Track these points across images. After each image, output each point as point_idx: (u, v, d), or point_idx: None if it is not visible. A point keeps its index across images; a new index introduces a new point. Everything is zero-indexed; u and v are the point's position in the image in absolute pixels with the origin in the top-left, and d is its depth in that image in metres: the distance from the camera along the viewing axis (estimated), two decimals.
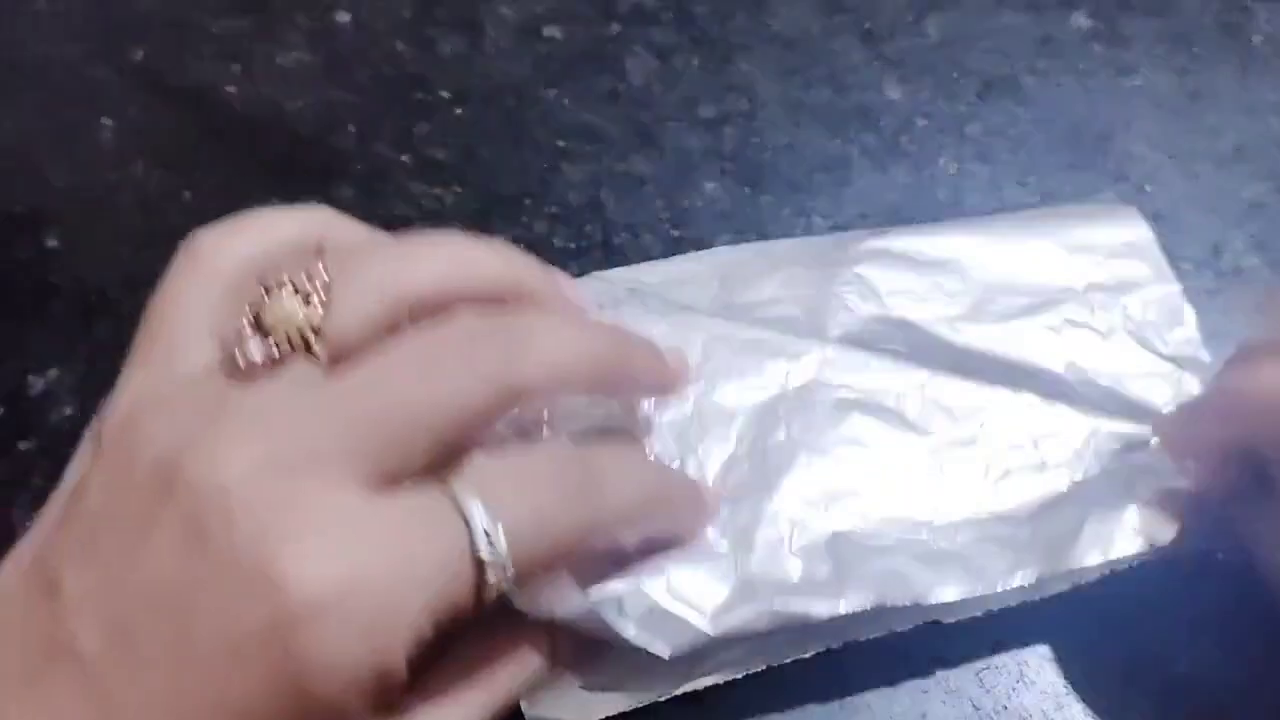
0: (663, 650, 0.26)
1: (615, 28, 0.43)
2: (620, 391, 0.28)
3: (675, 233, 0.39)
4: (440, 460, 0.22)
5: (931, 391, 0.33)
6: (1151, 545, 0.29)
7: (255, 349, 0.22)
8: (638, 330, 0.29)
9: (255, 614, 0.20)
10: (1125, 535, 0.29)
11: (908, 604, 0.28)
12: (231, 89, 0.41)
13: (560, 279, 0.28)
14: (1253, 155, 0.41)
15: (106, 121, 0.40)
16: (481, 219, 0.39)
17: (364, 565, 0.20)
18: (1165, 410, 0.33)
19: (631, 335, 0.28)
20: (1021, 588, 0.29)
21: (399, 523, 0.21)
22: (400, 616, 0.21)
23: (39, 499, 0.33)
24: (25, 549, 0.24)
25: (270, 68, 0.42)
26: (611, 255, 0.38)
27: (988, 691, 0.30)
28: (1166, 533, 0.29)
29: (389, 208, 0.39)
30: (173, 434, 0.22)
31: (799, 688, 0.30)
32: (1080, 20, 0.44)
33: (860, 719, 0.30)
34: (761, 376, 0.32)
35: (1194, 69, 0.43)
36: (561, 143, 0.41)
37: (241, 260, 0.25)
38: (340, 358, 0.22)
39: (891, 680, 0.30)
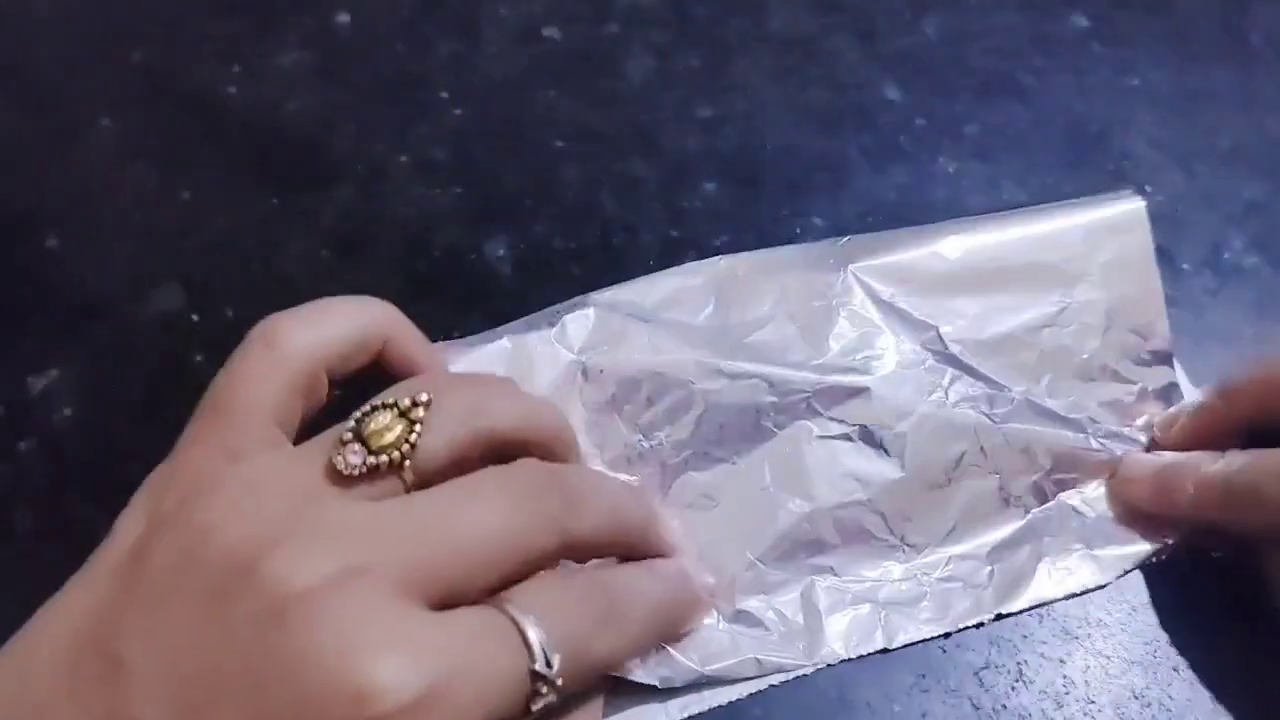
0: (661, 682, 0.29)
1: (614, 28, 0.43)
2: (639, 552, 0.30)
3: (674, 233, 0.39)
4: (493, 589, 0.24)
5: (915, 421, 0.33)
6: (1098, 583, 0.32)
7: (355, 457, 0.24)
8: (633, 368, 0.32)
9: (335, 716, 0.20)
10: (1080, 571, 0.32)
11: (876, 650, 0.31)
12: (231, 89, 0.41)
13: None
14: (1252, 155, 0.41)
15: (106, 121, 0.40)
16: (481, 219, 0.39)
17: (440, 678, 0.21)
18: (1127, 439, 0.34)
19: (652, 504, 0.31)
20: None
21: (466, 640, 0.23)
22: None
23: (39, 499, 0.33)
24: (73, 614, 0.23)
25: (270, 68, 0.42)
26: (610, 255, 0.38)
27: (987, 691, 0.30)
28: (1121, 565, 0.32)
29: (389, 208, 0.39)
30: (252, 525, 0.23)
31: (799, 688, 0.30)
32: (1079, 19, 0.44)
33: (860, 718, 0.30)
34: (749, 440, 0.33)
35: (1193, 68, 0.43)
36: (561, 143, 0.41)
37: (312, 351, 0.27)
38: (424, 481, 0.24)
39: (891, 680, 0.30)
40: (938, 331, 0.34)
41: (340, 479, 0.24)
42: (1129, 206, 0.36)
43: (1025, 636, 0.31)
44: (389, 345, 0.28)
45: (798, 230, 0.39)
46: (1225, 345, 0.36)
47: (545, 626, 0.23)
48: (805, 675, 0.30)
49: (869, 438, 0.33)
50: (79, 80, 0.41)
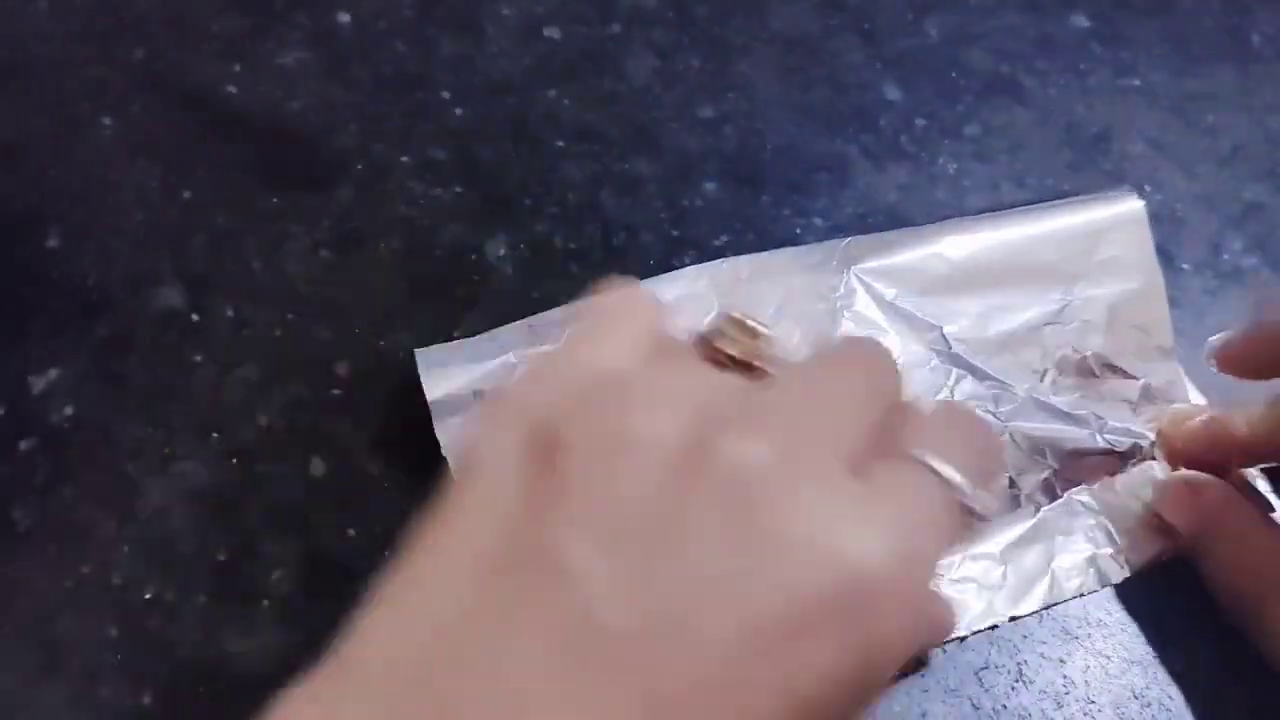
0: None
1: (615, 28, 0.43)
2: None
3: (675, 233, 0.39)
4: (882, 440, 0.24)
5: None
6: (1110, 581, 0.32)
7: (731, 346, 0.25)
8: None
9: (825, 591, 0.20)
10: (1089, 572, 0.32)
11: None
12: (231, 89, 0.41)
13: None
14: (1252, 155, 0.41)
15: (106, 121, 0.40)
16: (482, 218, 0.39)
17: (907, 534, 0.21)
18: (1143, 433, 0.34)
19: None
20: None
21: (906, 493, 0.22)
22: (928, 588, 0.22)
23: (39, 499, 0.33)
24: (483, 528, 0.21)
25: (270, 68, 0.42)
26: (611, 255, 0.38)
27: (987, 691, 0.30)
28: (1129, 566, 0.32)
29: (390, 207, 0.39)
30: (680, 415, 0.21)
31: None
32: (1079, 20, 0.44)
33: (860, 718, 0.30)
34: None
35: (1193, 69, 0.43)
36: (561, 143, 0.41)
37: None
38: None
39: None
40: (942, 331, 0.34)
41: (725, 369, 0.24)
42: (1128, 205, 0.36)
43: (1025, 636, 0.31)
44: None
45: (798, 230, 0.39)
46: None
47: (952, 462, 0.23)
48: None
49: None
50: (79, 79, 0.41)
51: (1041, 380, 0.34)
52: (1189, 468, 0.33)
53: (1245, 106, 0.42)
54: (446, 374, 0.32)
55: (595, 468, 0.21)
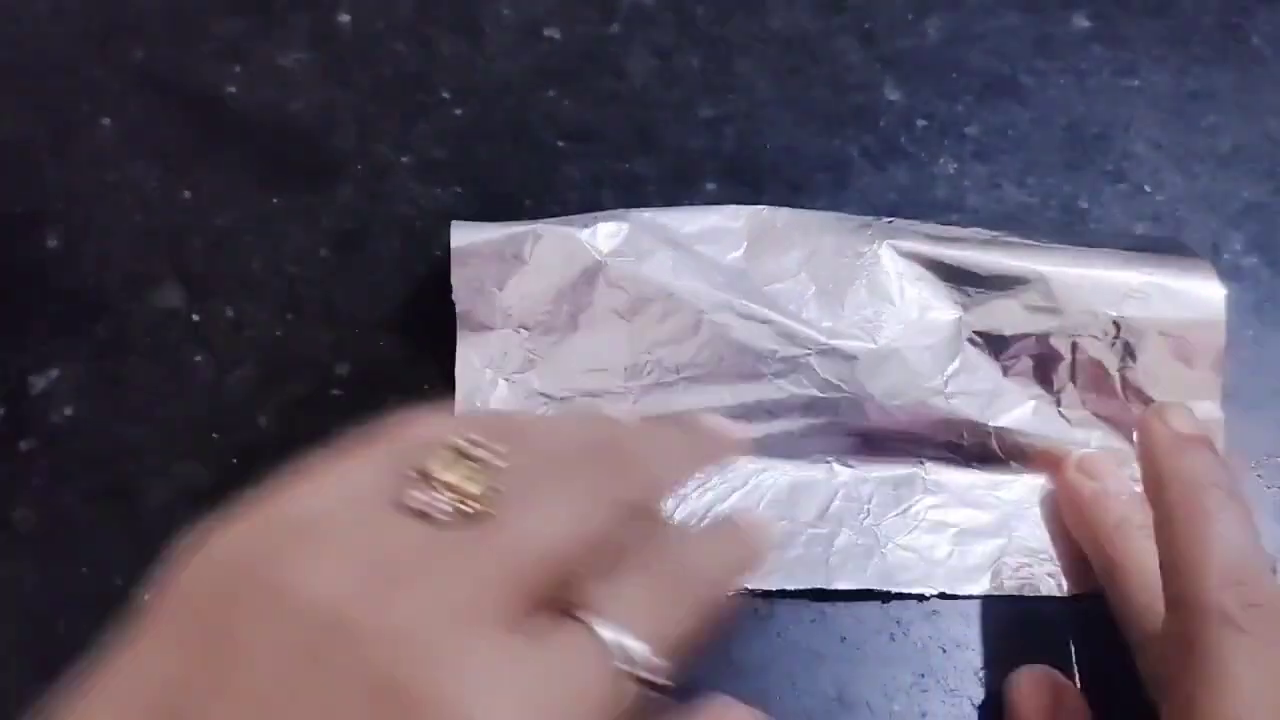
0: None
1: (615, 28, 0.43)
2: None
3: None
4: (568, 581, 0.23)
5: (908, 403, 0.33)
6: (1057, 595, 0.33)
7: (422, 497, 0.23)
8: (651, 284, 0.33)
9: None
10: (1037, 578, 0.33)
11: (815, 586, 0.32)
12: (231, 89, 0.41)
13: None
14: (1251, 155, 0.41)
15: (106, 121, 0.40)
16: (483, 218, 0.39)
17: (547, 710, 0.21)
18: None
19: (701, 428, 0.30)
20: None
21: (561, 661, 0.22)
22: None
23: (39, 499, 0.33)
24: (127, 679, 0.22)
25: (270, 68, 0.42)
26: None
27: (988, 691, 0.31)
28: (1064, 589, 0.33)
29: (389, 208, 0.39)
30: (330, 572, 0.21)
31: (798, 687, 0.30)
32: (1080, 21, 0.44)
33: (860, 718, 0.30)
34: (744, 378, 0.33)
35: (1193, 69, 0.43)
36: (561, 143, 0.41)
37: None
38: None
39: (891, 680, 0.30)
40: (959, 319, 0.34)
41: (410, 513, 0.23)
42: (1208, 293, 0.34)
43: (1026, 636, 0.31)
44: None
45: None
46: (1224, 346, 0.36)
47: (641, 635, 0.23)
48: (804, 660, 0.30)
49: (857, 408, 0.33)
50: (79, 80, 0.41)
51: (1052, 390, 0.34)
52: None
53: (1245, 106, 0.42)
54: (476, 229, 0.34)
55: (251, 629, 0.21)
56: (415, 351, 0.35)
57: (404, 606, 0.21)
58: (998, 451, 0.34)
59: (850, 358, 0.33)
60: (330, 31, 0.43)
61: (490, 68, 0.42)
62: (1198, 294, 0.34)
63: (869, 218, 0.36)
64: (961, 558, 0.32)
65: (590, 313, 0.34)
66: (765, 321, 0.33)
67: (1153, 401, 0.34)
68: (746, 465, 0.33)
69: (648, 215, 0.35)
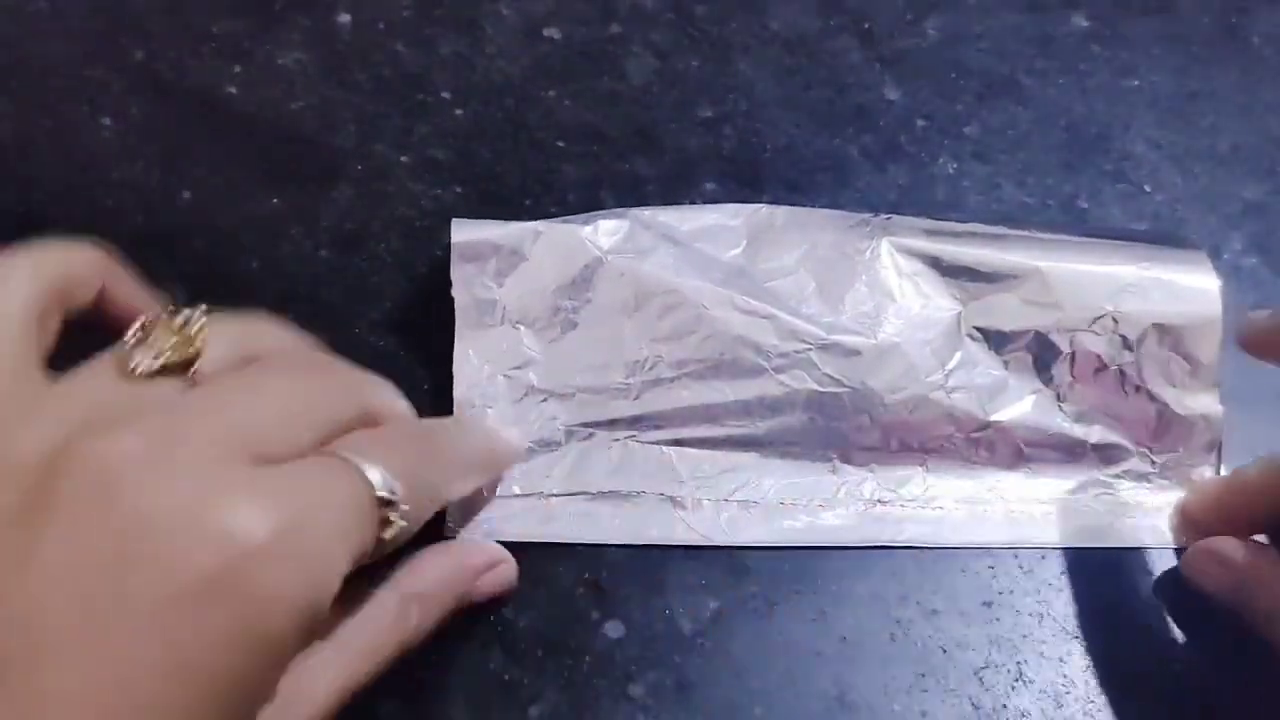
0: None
1: (615, 28, 0.43)
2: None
3: None
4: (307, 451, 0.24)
5: (907, 398, 0.33)
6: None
7: (144, 357, 0.24)
8: (652, 280, 0.34)
9: (202, 564, 0.20)
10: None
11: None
12: (231, 89, 0.41)
13: None
14: (1251, 155, 0.41)
15: (106, 121, 0.40)
16: (483, 219, 0.39)
17: (298, 511, 0.22)
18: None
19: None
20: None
21: (307, 481, 0.23)
22: (332, 552, 0.23)
23: None
24: None
25: (270, 68, 0.42)
26: None
27: (987, 690, 0.31)
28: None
29: (389, 208, 0.39)
30: (53, 424, 0.22)
31: (798, 687, 0.30)
32: (1079, 20, 0.44)
33: (860, 718, 0.30)
34: (744, 374, 0.33)
35: (1193, 69, 0.43)
36: (561, 143, 0.41)
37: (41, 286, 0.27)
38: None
39: (891, 679, 0.30)
40: (958, 316, 0.34)
41: (132, 377, 0.24)
42: (1204, 284, 0.35)
43: (1025, 636, 0.31)
44: (109, 289, 0.28)
45: None
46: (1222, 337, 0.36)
47: (378, 461, 0.24)
48: (804, 659, 0.30)
49: (859, 401, 0.33)
50: (79, 79, 0.41)
51: (1050, 385, 0.34)
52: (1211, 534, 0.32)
53: (1245, 106, 0.42)
54: (476, 226, 0.34)
55: None
56: (415, 351, 0.35)
57: (130, 436, 0.21)
58: (999, 447, 0.34)
59: (851, 353, 0.33)
60: (330, 31, 0.43)
61: (490, 68, 0.42)
62: (1193, 286, 0.34)
63: (868, 214, 0.36)
64: (955, 511, 0.33)
65: (591, 309, 0.34)
66: (766, 317, 0.33)
67: (1153, 400, 0.34)
68: (747, 462, 0.33)
69: (647, 214, 0.35)
